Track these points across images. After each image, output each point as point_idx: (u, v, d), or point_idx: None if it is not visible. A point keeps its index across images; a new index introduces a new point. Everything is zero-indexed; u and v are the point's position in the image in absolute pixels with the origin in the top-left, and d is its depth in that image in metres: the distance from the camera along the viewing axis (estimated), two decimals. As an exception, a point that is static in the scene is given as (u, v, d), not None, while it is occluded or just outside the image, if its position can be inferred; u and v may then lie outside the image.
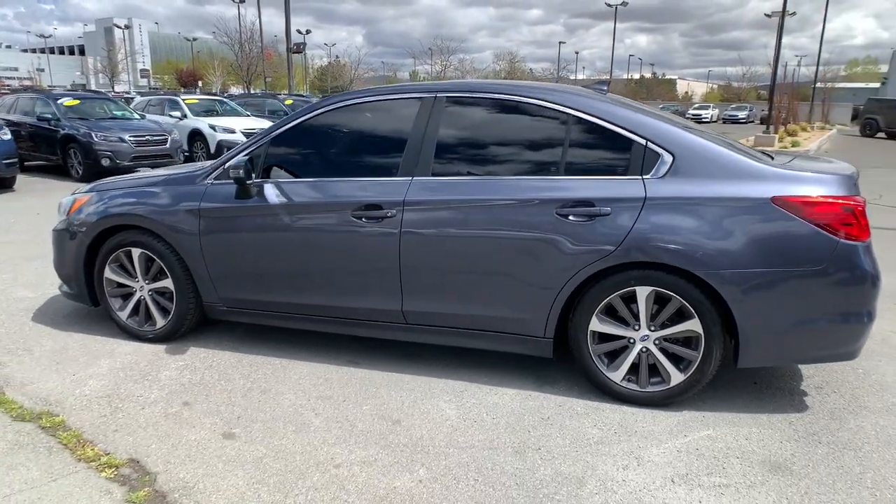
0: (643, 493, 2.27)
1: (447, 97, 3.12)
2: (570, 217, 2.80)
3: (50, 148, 11.01)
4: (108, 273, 3.63)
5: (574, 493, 2.27)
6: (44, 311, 4.13)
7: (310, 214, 3.18)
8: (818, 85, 36.40)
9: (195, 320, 3.62)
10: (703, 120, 44.94)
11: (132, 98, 18.36)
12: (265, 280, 3.32)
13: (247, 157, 3.24)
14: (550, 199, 2.83)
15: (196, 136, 13.36)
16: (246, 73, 41.00)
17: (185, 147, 12.56)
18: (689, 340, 2.81)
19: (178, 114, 13.67)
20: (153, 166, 11.63)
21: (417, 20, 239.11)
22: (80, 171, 10.59)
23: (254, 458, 2.49)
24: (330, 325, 3.34)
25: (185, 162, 12.30)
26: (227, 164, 3.33)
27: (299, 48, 21.27)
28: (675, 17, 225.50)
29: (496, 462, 2.47)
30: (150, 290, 3.60)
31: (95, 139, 10.48)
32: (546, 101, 2.98)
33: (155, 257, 3.50)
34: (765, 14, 35.47)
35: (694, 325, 2.74)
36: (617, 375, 2.90)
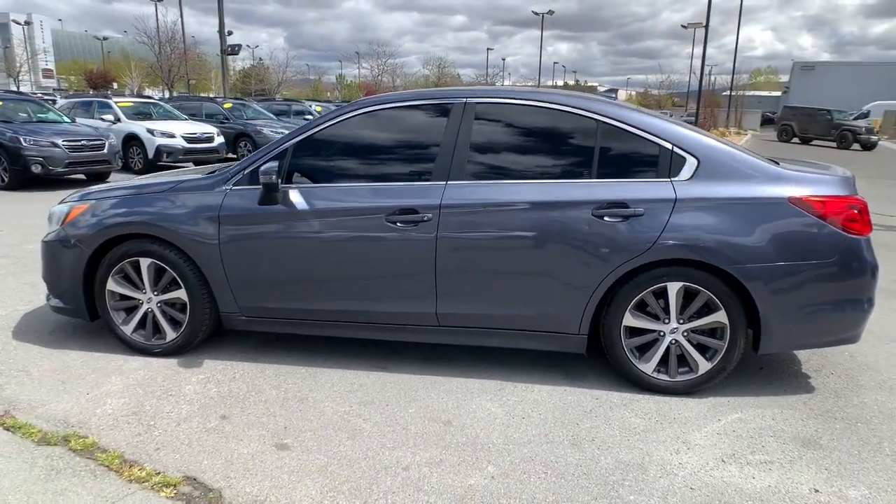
0: (702, 473, 2.43)
1: (478, 103, 3.19)
2: (606, 218, 2.94)
3: (-32, 155, 10.10)
4: (112, 285, 3.43)
5: (641, 479, 2.40)
6: (22, 329, 3.84)
7: (342, 219, 3.15)
8: (731, 93, 39.13)
9: (209, 332, 3.49)
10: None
11: (54, 100, 17.06)
12: (294, 287, 3.25)
13: (277, 163, 3.17)
14: (586, 200, 2.96)
15: (131, 140, 12.68)
16: (168, 74, 39.10)
17: (121, 152, 11.86)
18: (713, 331, 3.01)
19: (110, 117, 12.89)
20: (89, 173, 11.11)
21: (340, 23, 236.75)
22: (7, 179, 9.78)
23: (318, 468, 2.45)
24: (362, 331, 3.31)
25: (121, 168, 11.65)
26: (249, 170, 3.25)
27: (234, 49, 20.58)
28: (594, 26, 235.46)
29: (558, 455, 2.55)
30: (158, 302, 3.43)
31: (24, 143, 9.71)
32: (577, 108, 3.11)
33: (167, 267, 3.34)
34: (682, 25, 38.13)
35: (720, 316, 2.95)
36: (648, 367, 3.07)
